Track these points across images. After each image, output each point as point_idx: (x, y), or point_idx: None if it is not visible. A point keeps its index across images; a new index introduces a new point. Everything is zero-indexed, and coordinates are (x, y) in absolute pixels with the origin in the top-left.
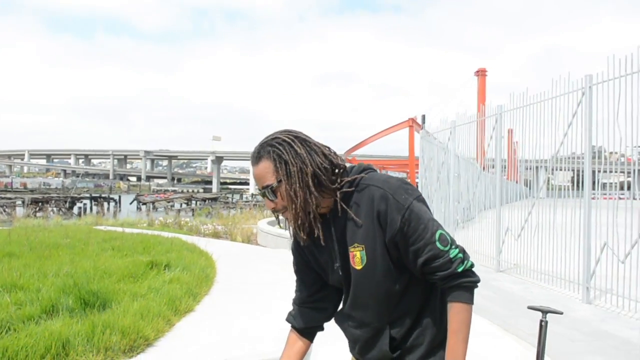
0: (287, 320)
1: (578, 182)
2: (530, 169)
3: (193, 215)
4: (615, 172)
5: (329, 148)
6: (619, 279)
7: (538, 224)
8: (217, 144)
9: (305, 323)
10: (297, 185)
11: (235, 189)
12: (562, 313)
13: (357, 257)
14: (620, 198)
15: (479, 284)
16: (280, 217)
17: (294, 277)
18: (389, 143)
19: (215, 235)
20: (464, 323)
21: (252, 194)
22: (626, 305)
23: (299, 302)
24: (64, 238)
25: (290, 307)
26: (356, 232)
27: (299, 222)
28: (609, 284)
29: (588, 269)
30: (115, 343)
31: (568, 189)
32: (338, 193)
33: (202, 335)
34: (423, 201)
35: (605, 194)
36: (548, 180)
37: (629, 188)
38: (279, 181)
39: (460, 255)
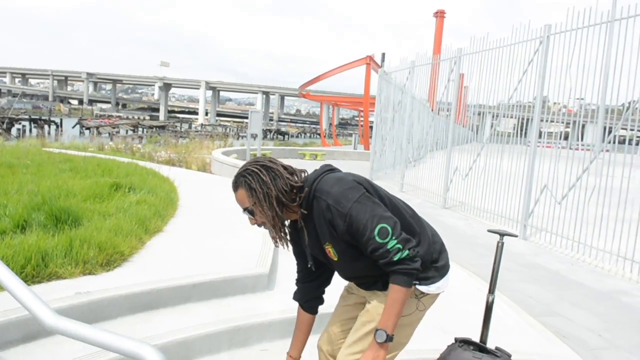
0: (293, 298)
1: (521, 130)
2: (480, 114)
3: (140, 142)
4: (557, 122)
5: (290, 168)
6: (554, 219)
7: (485, 166)
8: (166, 70)
9: (304, 296)
10: (266, 207)
11: (183, 118)
12: (517, 236)
13: (331, 252)
14: (560, 147)
15: (416, 270)
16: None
17: None
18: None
19: (170, 162)
20: (396, 301)
21: (202, 124)
22: (557, 242)
23: (301, 281)
24: (14, 158)
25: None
26: (323, 233)
27: (275, 231)
28: (544, 223)
29: (527, 209)
30: (93, 257)
31: (510, 135)
32: (300, 208)
33: (174, 252)
34: (363, 200)
35: (547, 143)
36: (492, 127)
37: (566, 138)
38: (253, 204)
39: (398, 245)
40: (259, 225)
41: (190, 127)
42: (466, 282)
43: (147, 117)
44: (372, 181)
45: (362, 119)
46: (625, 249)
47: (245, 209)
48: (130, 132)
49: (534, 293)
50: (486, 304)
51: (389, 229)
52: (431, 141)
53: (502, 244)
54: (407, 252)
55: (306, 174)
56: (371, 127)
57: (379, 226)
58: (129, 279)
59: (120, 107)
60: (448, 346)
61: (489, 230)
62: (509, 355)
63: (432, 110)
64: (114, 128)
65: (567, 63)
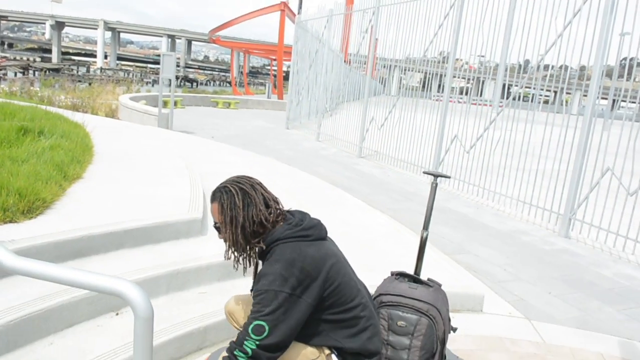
0: None
1: (425, 84)
2: (389, 67)
3: (33, 86)
4: (463, 78)
5: (270, 200)
6: (462, 167)
7: (400, 118)
8: (58, 6)
9: None
10: (229, 229)
11: (80, 60)
12: (449, 177)
13: None
14: (459, 101)
15: None
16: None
17: (177, 153)
18: (257, 26)
19: (74, 108)
20: None
21: (101, 68)
22: (465, 188)
23: None
24: None
25: (179, 181)
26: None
27: (230, 253)
28: (454, 171)
29: (438, 158)
30: (13, 204)
31: (416, 89)
32: (255, 247)
33: (99, 199)
34: (281, 300)
35: (450, 97)
36: (401, 80)
37: (467, 93)
38: (220, 222)
39: (248, 348)
40: (225, 242)
41: (88, 70)
42: (386, 224)
43: (38, 59)
44: (331, 270)
45: (275, 68)
46: (525, 194)
47: (214, 224)
48: (19, 75)
49: (446, 234)
50: (420, 239)
51: (266, 332)
52: (348, 92)
53: (436, 184)
54: (249, 357)
55: (282, 212)
56: (285, 77)
57: (262, 322)
58: (55, 227)
59: (5, 47)
60: (384, 279)
61: (425, 172)
62: (440, 285)
63: (346, 61)
64: (0, 70)
65: (480, 19)
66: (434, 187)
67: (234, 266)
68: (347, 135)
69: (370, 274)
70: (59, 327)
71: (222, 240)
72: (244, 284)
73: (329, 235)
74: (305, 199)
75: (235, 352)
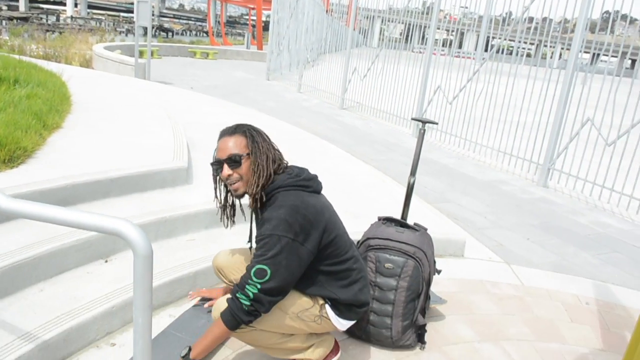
0: None
1: (408, 35)
2: (374, 18)
3: (0, 35)
4: (446, 30)
5: (279, 153)
6: (444, 119)
7: (383, 69)
8: None
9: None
10: (263, 161)
11: (48, 9)
12: (437, 123)
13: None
14: (442, 54)
15: (241, 321)
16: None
17: (158, 103)
18: None
19: (47, 58)
20: (212, 334)
21: (72, 17)
22: (446, 139)
23: None
24: None
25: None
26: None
27: (250, 191)
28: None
29: (421, 109)
30: None
31: (398, 41)
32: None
33: (81, 149)
34: (284, 243)
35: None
36: (382, 31)
37: (450, 45)
38: (248, 154)
39: (254, 291)
40: (228, 180)
41: (58, 19)
42: (370, 174)
43: (5, 7)
44: (328, 222)
45: (253, 17)
46: (505, 145)
47: (232, 155)
48: None
49: (428, 184)
50: (408, 185)
51: (268, 276)
52: (329, 42)
53: (424, 131)
54: (251, 300)
55: (284, 168)
56: (264, 27)
57: (265, 265)
58: (38, 175)
59: None
60: (372, 224)
61: (413, 119)
62: (426, 229)
63: (327, 11)
64: None
65: None
66: (422, 134)
67: (221, 219)
68: (329, 87)
69: (356, 221)
70: (48, 274)
71: (223, 180)
72: (232, 231)
73: None
74: (289, 150)
75: (237, 295)
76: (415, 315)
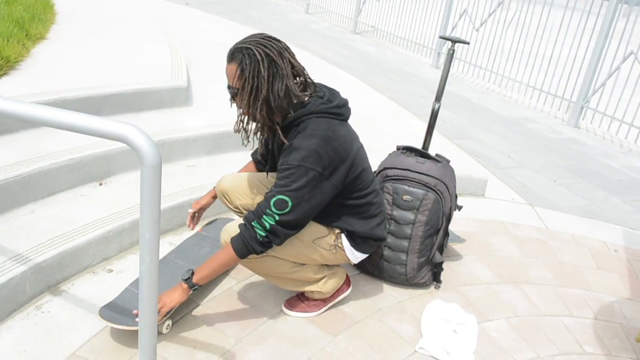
0: (252, 154)
1: None
2: None
3: None
4: None
5: (300, 70)
6: (469, 48)
7: None
8: None
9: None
10: (247, 100)
11: None
12: (468, 43)
13: None
14: None
15: (253, 251)
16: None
17: (152, 18)
18: None
19: None
20: (219, 261)
21: None
22: (470, 70)
23: (261, 156)
24: None
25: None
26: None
27: (241, 125)
28: (458, 52)
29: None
30: None
31: None
32: (281, 122)
33: (69, 62)
34: (311, 176)
35: None
36: None
37: None
38: (237, 88)
39: (271, 222)
40: (239, 110)
41: None
42: (385, 104)
43: None
44: (357, 155)
45: None
46: (535, 80)
47: (228, 87)
48: None
49: (448, 118)
50: (432, 111)
51: (289, 208)
52: None
53: (453, 51)
54: (266, 231)
55: (314, 90)
56: None
57: (287, 197)
58: (23, 88)
59: None
60: (390, 154)
61: (441, 37)
62: (448, 161)
63: None
64: None
65: None
66: (451, 55)
67: (243, 143)
68: (340, 8)
69: (372, 155)
70: (39, 195)
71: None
72: (234, 158)
73: None
74: None
75: (253, 223)
76: (433, 252)
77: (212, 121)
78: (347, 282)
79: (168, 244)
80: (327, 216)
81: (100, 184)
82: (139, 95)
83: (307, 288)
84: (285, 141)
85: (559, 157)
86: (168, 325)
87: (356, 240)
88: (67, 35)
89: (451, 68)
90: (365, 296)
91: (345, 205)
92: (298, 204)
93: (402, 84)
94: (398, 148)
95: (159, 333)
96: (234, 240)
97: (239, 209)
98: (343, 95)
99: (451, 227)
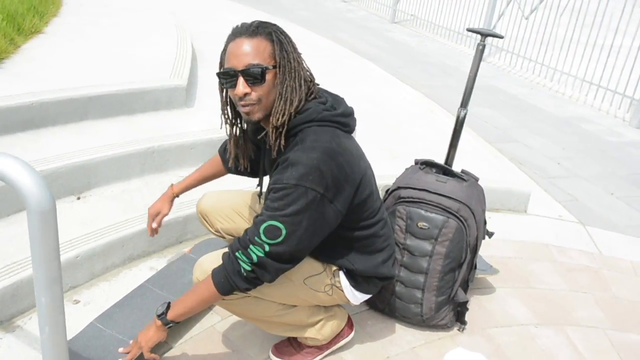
0: (219, 150)
1: None
2: None
3: None
4: None
5: (308, 69)
6: (517, 38)
7: None
8: None
9: (229, 158)
10: (294, 81)
11: None
12: (502, 37)
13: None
14: None
15: (236, 288)
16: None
17: (167, 7)
18: None
19: None
20: (198, 296)
21: None
22: (518, 63)
23: (233, 158)
24: None
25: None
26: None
27: (275, 121)
28: (506, 41)
29: (489, 24)
30: None
31: None
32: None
33: (61, 59)
34: (310, 199)
35: None
36: None
37: None
38: (274, 67)
39: (260, 254)
40: (239, 101)
41: None
42: (418, 103)
43: None
44: (365, 175)
45: None
46: (593, 74)
47: (253, 66)
48: None
49: (490, 118)
50: (456, 119)
51: (282, 237)
52: None
53: (483, 46)
54: (253, 265)
55: (315, 85)
56: None
57: (280, 223)
58: (1, 89)
59: None
60: (406, 169)
61: (469, 29)
62: (477, 179)
63: None
64: None
65: None
66: (480, 51)
67: (228, 155)
68: None
69: (394, 162)
70: (3, 212)
71: (245, 96)
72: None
73: None
74: (322, 69)
75: (237, 254)
76: (454, 289)
77: (213, 124)
78: (350, 325)
79: (149, 269)
80: (322, 250)
81: (79, 198)
82: (130, 96)
83: (299, 334)
84: (274, 153)
85: (618, 164)
86: None
87: (357, 280)
88: (67, 28)
89: (497, 59)
90: (371, 339)
91: (345, 237)
92: (293, 232)
93: (441, 78)
94: (416, 162)
95: None
96: (215, 274)
97: (220, 233)
98: (372, 92)
99: (482, 252)
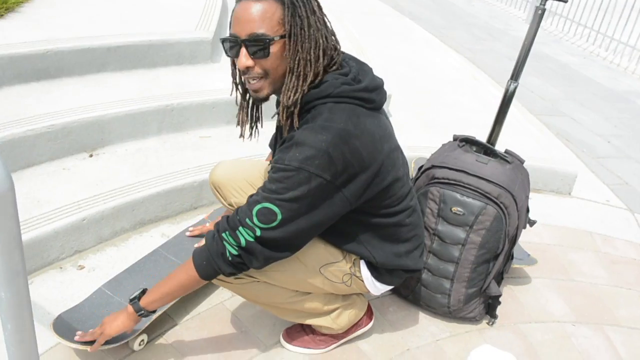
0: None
1: None
2: None
3: None
4: None
5: (334, 34)
6: (571, 2)
7: None
8: None
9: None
10: (310, 52)
11: None
12: (567, 1)
13: None
14: None
15: (220, 272)
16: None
17: None
18: None
19: None
20: (176, 281)
21: None
22: (571, 29)
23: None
24: None
25: None
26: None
27: (285, 99)
28: (560, 7)
29: None
30: None
31: None
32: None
33: (83, 5)
34: (313, 184)
35: None
36: None
37: None
38: (283, 37)
39: (243, 236)
40: (246, 74)
41: None
42: (461, 68)
43: None
44: (387, 160)
45: None
46: None
47: (257, 36)
48: None
49: (537, 88)
50: (505, 93)
51: (276, 222)
52: None
53: (543, 11)
54: (240, 249)
55: (339, 52)
56: None
57: (275, 207)
58: (15, 36)
59: None
60: (443, 145)
61: None
62: (522, 161)
63: None
64: None
65: None
66: (539, 16)
67: (237, 124)
68: None
69: (429, 133)
70: (11, 167)
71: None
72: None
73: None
74: (359, 28)
75: (223, 235)
76: (487, 282)
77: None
78: (369, 314)
79: (160, 235)
80: (338, 237)
81: (91, 156)
82: (152, 47)
83: (313, 321)
84: (285, 133)
85: None
86: (142, 340)
87: (380, 271)
88: None
89: (547, 24)
90: (392, 328)
91: (363, 223)
92: (291, 218)
93: (487, 42)
94: (455, 138)
95: (131, 350)
96: (196, 254)
97: (233, 207)
98: (412, 54)
99: (520, 237)
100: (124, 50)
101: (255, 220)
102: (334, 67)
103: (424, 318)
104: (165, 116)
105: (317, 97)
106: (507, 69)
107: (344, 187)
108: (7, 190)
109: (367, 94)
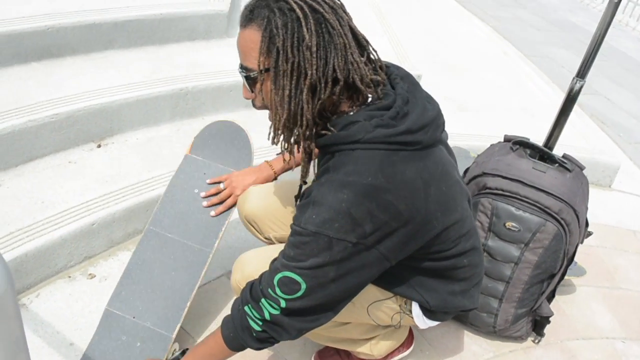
0: None
1: None
2: None
3: None
4: None
5: (368, 46)
6: None
7: None
8: None
9: None
10: (282, 87)
11: None
12: None
13: None
14: None
15: (246, 345)
16: None
17: None
18: None
19: None
20: (207, 355)
21: None
22: None
23: None
24: None
25: None
26: None
27: (276, 134)
28: None
29: None
30: None
31: None
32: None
33: None
34: (332, 251)
35: None
36: None
37: None
38: (263, 71)
39: (267, 309)
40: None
41: None
42: (487, 39)
43: None
44: (436, 199)
45: None
46: None
47: (242, 68)
48: None
49: (567, 61)
50: (569, 92)
51: (301, 292)
52: None
53: (619, 0)
54: (265, 323)
55: (378, 83)
56: None
57: (297, 276)
58: (13, 10)
59: None
60: (492, 146)
61: None
62: (582, 168)
63: None
64: None
65: None
66: (615, 5)
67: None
68: None
69: (461, 116)
70: (11, 161)
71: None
72: None
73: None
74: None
75: (245, 309)
76: (539, 302)
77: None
78: (409, 339)
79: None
80: (387, 280)
81: (99, 146)
82: (162, 22)
83: (350, 348)
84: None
85: None
86: (175, 350)
87: (433, 310)
88: None
89: None
90: (431, 347)
91: (416, 267)
92: (318, 286)
93: (512, 9)
94: (506, 139)
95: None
96: (224, 325)
97: (271, 240)
98: (434, 25)
99: None
100: (132, 25)
101: (277, 290)
102: (372, 98)
103: (465, 336)
104: (180, 101)
105: (343, 142)
106: (535, 40)
107: (379, 244)
108: (7, 287)
109: (410, 137)
